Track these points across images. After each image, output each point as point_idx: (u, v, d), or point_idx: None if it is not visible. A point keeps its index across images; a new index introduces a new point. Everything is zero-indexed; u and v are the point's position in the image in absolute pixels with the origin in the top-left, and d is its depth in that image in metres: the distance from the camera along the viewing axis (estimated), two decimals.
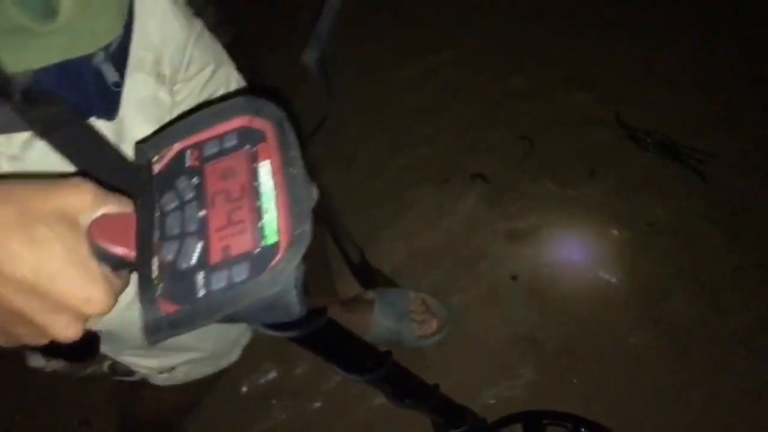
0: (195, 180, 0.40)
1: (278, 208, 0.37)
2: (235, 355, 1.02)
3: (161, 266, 0.38)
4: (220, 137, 0.42)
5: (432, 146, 1.81)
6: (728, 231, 1.59)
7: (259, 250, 0.37)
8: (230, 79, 0.87)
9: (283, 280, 0.36)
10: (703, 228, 1.60)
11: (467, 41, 2.04)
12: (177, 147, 0.43)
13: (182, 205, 0.40)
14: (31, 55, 0.48)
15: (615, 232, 1.60)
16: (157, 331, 0.37)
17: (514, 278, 1.55)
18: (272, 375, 1.47)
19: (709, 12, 2.02)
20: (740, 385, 1.39)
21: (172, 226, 0.39)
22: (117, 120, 0.61)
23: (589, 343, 1.45)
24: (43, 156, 0.54)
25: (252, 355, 1.48)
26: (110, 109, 0.60)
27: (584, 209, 1.65)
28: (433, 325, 1.45)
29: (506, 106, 1.86)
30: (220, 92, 0.84)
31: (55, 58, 0.49)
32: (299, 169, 0.38)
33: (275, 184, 0.38)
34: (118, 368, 0.89)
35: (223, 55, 0.87)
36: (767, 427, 1.35)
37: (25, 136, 0.54)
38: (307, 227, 0.36)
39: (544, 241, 1.60)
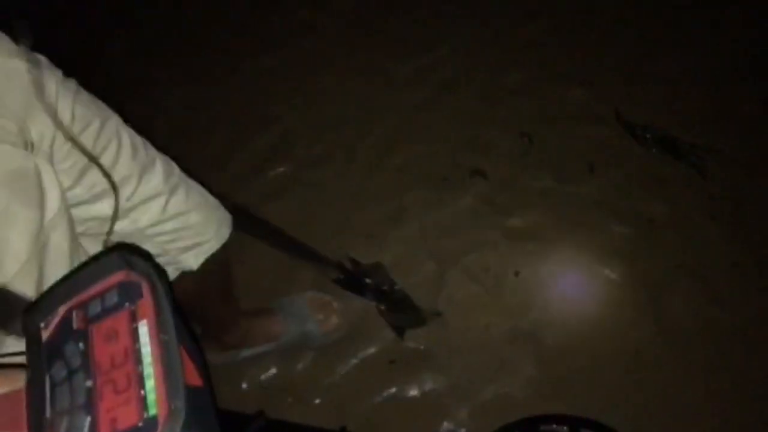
0: (81, 345, 0.40)
1: (156, 375, 0.37)
2: (226, 224, 1.09)
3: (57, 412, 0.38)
4: (102, 295, 0.41)
5: (430, 144, 1.80)
6: (728, 226, 1.59)
7: (142, 423, 0.36)
8: (121, 132, 0.86)
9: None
10: (702, 224, 1.60)
11: (465, 38, 2.03)
12: (62, 310, 0.42)
13: (70, 375, 0.39)
14: None
15: (615, 228, 1.60)
16: None
17: (515, 274, 1.54)
18: (272, 372, 1.47)
19: (708, 7, 2.03)
20: (740, 380, 1.39)
21: (62, 399, 0.39)
22: None
23: (589, 338, 1.45)
24: None
25: (252, 355, 1.49)
26: None
27: (584, 205, 1.64)
28: (333, 320, 1.48)
29: (505, 103, 1.86)
30: (113, 144, 0.83)
31: None
32: (170, 335, 0.38)
33: (152, 347, 0.38)
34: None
35: (107, 110, 0.86)
36: (767, 423, 1.34)
37: None
38: (180, 402, 0.36)
39: (544, 238, 1.59)
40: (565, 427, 1.30)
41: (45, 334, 0.42)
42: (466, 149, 1.79)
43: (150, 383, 0.37)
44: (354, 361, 1.47)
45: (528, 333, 1.47)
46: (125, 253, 0.42)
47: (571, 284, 1.53)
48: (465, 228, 1.63)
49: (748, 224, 1.59)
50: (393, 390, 1.43)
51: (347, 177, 1.76)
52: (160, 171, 0.95)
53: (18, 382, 0.40)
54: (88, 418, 0.37)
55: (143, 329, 0.39)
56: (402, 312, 1.51)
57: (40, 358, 0.41)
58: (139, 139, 0.93)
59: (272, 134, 1.90)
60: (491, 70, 1.95)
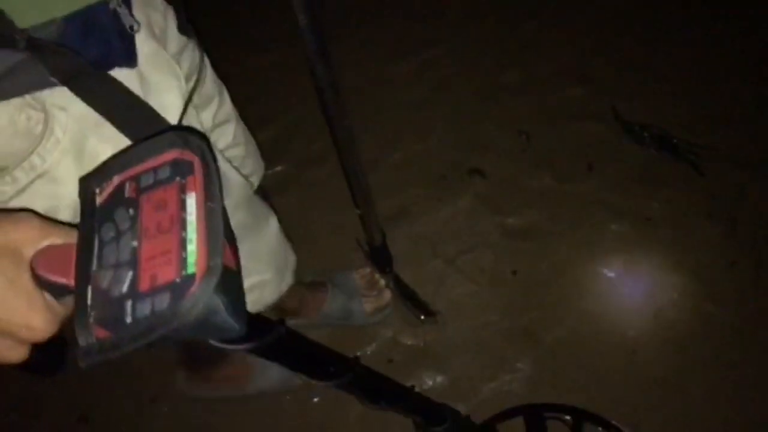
0: (131, 211, 0.43)
1: (199, 239, 0.40)
2: (289, 278, 1.10)
3: (96, 294, 0.41)
4: (155, 169, 0.44)
5: (428, 142, 1.80)
6: (725, 225, 1.59)
7: (179, 279, 0.39)
8: (202, 53, 0.97)
9: (200, 307, 0.38)
10: (700, 222, 1.60)
11: (463, 37, 2.03)
12: (117, 180, 0.45)
13: (118, 236, 0.42)
14: (56, 4, 0.51)
15: (613, 226, 1.60)
16: (88, 356, 0.40)
17: (513, 273, 1.55)
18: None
19: (706, 6, 2.03)
20: (738, 378, 1.39)
21: (109, 255, 0.42)
22: (137, 71, 0.64)
23: (588, 337, 1.46)
24: (85, 110, 0.58)
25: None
26: (131, 56, 0.63)
27: (582, 204, 1.65)
28: (380, 299, 1.49)
29: (503, 101, 1.86)
30: (205, 60, 0.95)
31: (80, 2, 0.53)
32: (217, 203, 0.42)
33: (198, 216, 0.41)
34: None
35: (225, 93, 1.00)
36: (765, 421, 1.35)
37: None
38: (218, 260, 0.39)
39: (541, 237, 1.60)
40: (568, 417, 1.32)
41: (99, 200, 0.45)
42: (465, 148, 1.79)
43: (191, 247, 0.40)
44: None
45: (526, 331, 1.47)
46: (181, 133, 0.45)
47: (569, 282, 1.53)
48: (463, 226, 1.64)
49: (745, 223, 1.59)
50: None
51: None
52: (227, 95, 1.07)
53: (71, 237, 0.44)
54: (130, 273, 0.41)
55: (191, 200, 0.42)
56: (408, 302, 1.52)
57: (93, 219, 0.44)
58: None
59: (270, 132, 1.90)
60: (489, 69, 1.95)
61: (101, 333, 0.40)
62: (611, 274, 1.53)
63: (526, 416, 1.33)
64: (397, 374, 1.42)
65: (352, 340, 1.49)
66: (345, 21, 2.16)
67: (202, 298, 0.38)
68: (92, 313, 0.41)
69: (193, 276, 0.39)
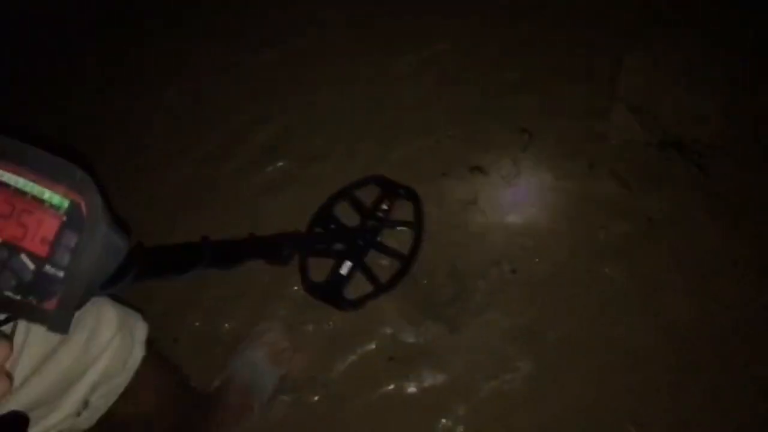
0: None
1: (45, 184, 0.44)
2: (138, 352, 0.93)
3: (15, 292, 0.45)
4: None
5: (429, 139, 1.79)
6: (728, 224, 1.58)
7: (66, 217, 0.44)
8: None
9: (100, 217, 0.45)
10: (703, 221, 1.59)
11: (464, 31, 2.02)
12: None
13: None
14: None
15: (614, 225, 1.59)
16: (60, 322, 0.45)
17: (513, 272, 1.54)
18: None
19: (713, 4, 2.01)
20: (740, 379, 1.39)
21: None
22: None
23: (588, 336, 1.45)
24: None
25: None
26: None
27: (583, 202, 1.64)
28: (294, 364, 1.44)
29: (504, 98, 1.85)
30: None
31: None
32: (32, 151, 0.44)
33: (24, 175, 0.44)
34: None
35: None
36: (767, 423, 1.34)
37: None
38: (78, 172, 0.45)
39: (542, 235, 1.59)
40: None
41: None
42: (466, 144, 1.78)
43: (45, 194, 0.44)
44: (352, 357, 1.47)
45: (527, 330, 1.46)
46: None
47: (570, 281, 1.52)
48: (464, 224, 1.63)
49: (748, 223, 1.58)
50: (391, 387, 1.43)
51: (346, 172, 1.75)
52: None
53: None
54: (22, 254, 0.45)
55: (5, 175, 0.45)
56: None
57: None
58: None
59: (271, 129, 1.89)
60: (491, 65, 1.93)
61: (51, 303, 0.45)
62: (612, 274, 1.52)
63: (321, 221, 1.59)
64: (397, 372, 1.43)
65: (351, 337, 1.49)
66: (346, 16, 2.14)
67: (96, 206, 0.44)
68: (32, 302, 0.44)
69: (72, 204, 0.44)
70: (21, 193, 0.44)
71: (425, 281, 1.54)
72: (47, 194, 0.44)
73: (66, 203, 0.44)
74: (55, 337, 0.75)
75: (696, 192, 1.64)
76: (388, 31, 2.07)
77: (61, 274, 0.44)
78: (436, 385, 1.42)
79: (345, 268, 1.52)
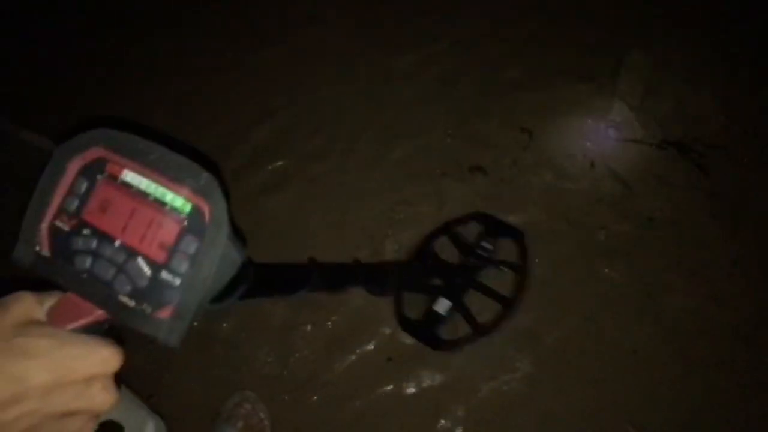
0: (86, 231, 0.44)
1: (168, 187, 0.42)
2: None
3: (131, 297, 0.43)
4: (71, 190, 0.45)
5: (429, 138, 1.79)
6: (728, 224, 1.58)
7: (186, 222, 0.42)
8: None
9: (223, 223, 0.42)
10: (703, 221, 1.59)
11: (464, 30, 2.02)
12: (44, 226, 0.46)
13: (96, 254, 0.43)
14: None
15: (614, 225, 1.59)
16: (171, 334, 0.42)
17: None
18: (270, 370, 1.46)
19: (715, 3, 2.00)
20: (739, 379, 1.38)
21: (106, 271, 0.43)
22: None
23: (588, 336, 1.45)
24: None
25: (250, 350, 1.49)
26: None
27: (584, 202, 1.63)
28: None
29: (505, 97, 1.85)
30: None
31: None
32: (157, 150, 0.43)
33: (147, 176, 0.43)
34: None
35: None
36: (766, 420, 1.34)
37: None
38: (204, 174, 0.42)
39: (542, 235, 1.58)
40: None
41: (45, 252, 0.45)
42: (466, 143, 1.77)
43: (168, 196, 0.42)
44: (351, 357, 1.46)
45: (526, 331, 1.46)
46: (67, 145, 0.46)
47: (570, 281, 1.52)
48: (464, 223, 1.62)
49: (748, 222, 1.57)
50: (390, 387, 1.43)
51: (346, 170, 1.75)
52: None
53: (56, 294, 0.44)
54: (139, 258, 0.42)
55: (129, 175, 0.43)
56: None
57: (58, 267, 0.44)
58: None
59: (272, 127, 1.89)
60: (491, 64, 1.93)
61: (165, 312, 0.42)
62: (613, 274, 1.52)
63: (422, 258, 1.52)
64: (396, 373, 1.42)
65: (350, 338, 1.49)
66: (347, 15, 2.14)
67: (220, 211, 0.42)
68: (145, 309, 0.42)
69: (194, 209, 0.42)
70: (143, 194, 0.43)
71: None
72: (170, 196, 0.42)
73: (188, 207, 0.42)
74: None
75: (696, 192, 1.63)
76: (388, 31, 2.07)
77: (177, 281, 0.42)
78: (434, 385, 1.42)
79: (442, 306, 1.44)
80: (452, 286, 1.47)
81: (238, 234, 0.45)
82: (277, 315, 1.53)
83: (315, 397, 1.44)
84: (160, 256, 0.42)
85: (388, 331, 1.48)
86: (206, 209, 0.42)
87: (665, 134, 1.74)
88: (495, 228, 1.55)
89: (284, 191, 1.74)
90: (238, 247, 0.45)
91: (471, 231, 1.58)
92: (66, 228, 0.44)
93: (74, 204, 0.44)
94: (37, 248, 0.45)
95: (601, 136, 1.75)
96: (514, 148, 1.74)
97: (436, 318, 1.44)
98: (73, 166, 0.45)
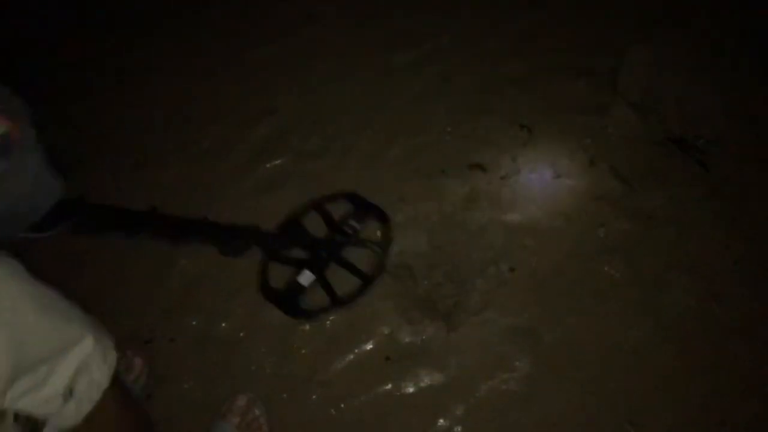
0: None
1: None
2: (111, 346, 0.86)
3: None
4: None
5: (428, 135, 1.78)
6: (729, 222, 1.57)
7: None
8: None
9: (39, 153, 0.43)
10: (703, 218, 1.58)
11: (465, 28, 2.01)
12: None
13: None
14: None
15: (614, 223, 1.58)
16: None
17: (512, 270, 1.53)
18: (268, 370, 1.46)
19: (716, 0, 1.99)
20: (740, 377, 1.37)
21: None
22: None
23: (587, 335, 1.44)
24: None
25: (248, 349, 1.49)
26: None
27: (583, 200, 1.62)
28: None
29: (504, 94, 1.84)
30: None
31: None
32: None
33: None
34: (22, 420, 0.76)
35: None
36: (766, 419, 1.33)
37: None
38: (9, 96, 0.43)
39: (541, 233, 1.58)
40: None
41: None
42: (465, 141, 1.76)
43: None
44: (350, 357, 1.46)
45: (525, 329, 1.45)
46: None
47: (569, 279, 1.51)
48: (462, 221, 1.61)
49: (749, 219, 1.56)
50: (388, 386, 1.42)
51: (345, 168, 1.74)
52: None
53: None
54: None
55: None
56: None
57: None
58: None
59: (271, 125, 1.88)
60: (492, 61, 1.92)
61: None
62: (612, 272, 1.51)
63: (289, 228, 1.58)
64: (394, 372, 1.42)
65: (349, 337, 1.48)
66: (347, 12, 2.13)
67: (28, 136, 0.43)
68: None
69: (5, 134, 0.42)
70: None
71: (423, 280, 1.53)
72: None
73: (1, 130, 0.42)
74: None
75: (697, 189, 1.62)
76: (388, 28, 2.06)
77: None
78: (433, 384, 1.41)
79: (305, 277, 1.53)
80: (316, 260, 1.54)
81: (56, 166, 0.46)
82: (276, 315, 1.52)
83: (314, 396, 1.43)
84: None
85: (386, 330, 1.48)
86: (14, 131, 0.42)
87: (666, 131, 1.72)
88: (364, 209, 1.63)
89: (284, 189, 1.74)
90: (55, 175, 0.46)
91: (340, 209, 1.65)
92: None
93: None
94: None
95: (601, 132, 1.74)
96: (513, 145, 1.74)
97: (298, 288, 1.52)
98: None
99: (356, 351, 1.47)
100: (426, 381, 1.42)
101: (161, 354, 1.49)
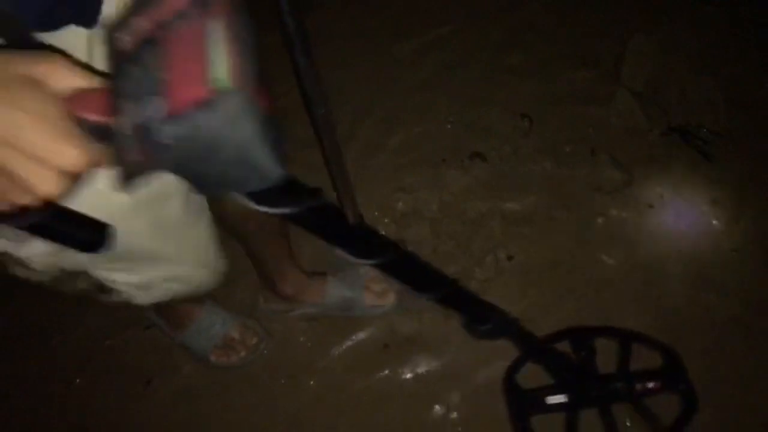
0: (157, 49, 0.43)
1: (228, 58, 0.40)
2: (212, 280, 1.04)
3: (134, 128, 0.41)
4: (174, 6, 0.44)
5: (429, 125, 1.78)
6: (730, 212, 1.56)
7: (213, 96, 0.39)
8: None
9: (240, 120, 0.39)
10: (704, 209, 1.57)
11: (466, 17, 2.00)
12: (140, 23, 0.45)
13: (146, 72, 0.42)
14: None
15: (614, 212, 1.58)
16: (131, 174, 0.42)
17: (509, 259, 1.53)
18: (268, 355, 1.47)
19: None
20: (739, 367, 1.37)
21: (140, 90, 0.41)
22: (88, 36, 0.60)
23: (586, 324, 1.44)
24: None
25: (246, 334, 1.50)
26: (92, 11, 0.59)
27: (583, 189, 1.62)
28: (391, 297, 1.47)
29: (506, 84, 1.83)
30: None
31: None
32: (243, 28, 0.42)
33: (223, 38, 0.41)
34: (96, 284, 0.89)
35: None
36: (766, 411, 1.33)
37: None
38: (249, 71, 0.40)
39: (540, 223, 1.58)
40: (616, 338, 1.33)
41: (124, 45, 0.45)
42: (466, 130, 1.76)
43: (220, 66, 0.40)
44: (348, 344, 1.47)
45: (522, 318, 1.45)
46: None
47: (567, 269, 1.51)
48: (462, 211, 1.62)
49: (750, 210, 1.56)
50: (386, 373, 1.43)
51: (345, 157, 1.74)
52: None
53: (101, 82, 0.45)
54: (164, 101, 0.40)
55: (215, 25, 0.42)
56: None
57: (120, 63, 0.44)
58: None
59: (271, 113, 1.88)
60: (493, 51, 1.91)
61: (140, 156, 0.41)
62: (611, 262, 1.51)
63: (572, 340, 1.33)
64: (393, 359, 1.43)
65: (347, 325, 1.49)
66: (347, 1, 2.13)
67: (239, 107, 0.39)
68: (131, 143, 0.41)
69: (227, 89, 0.39)
70: (209, 47, 0.41)
71: None
72: (221, 66, 0.40)
73: (225, 84, 0.40)
74: None
75: (698, 179, 1.61)
76: (390, 16, 2.06)
77: (169, 141, 0.40)
78: (430, 371, 1.42)
79: (555, 399, 1.25)
80: (580, 392, 1.25)
81: (277, 144, 0.43)
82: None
83: (312, 382, 1.44)
84: (177, 109, 0.40)
85: (384, 318, 1.48)
86: (233, 96, 0.40)
87: (669, 121, 1.71)
88: (675, 379, 1.27)
89: None
90: (271, 159, 0.42)
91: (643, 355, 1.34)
92: (149, 33, 0.43)
93: (168, 18, 0.43)
94: (121, 33, 0.45)
95: (602, 122, 1.73)
96: (514, 135, 1.73)
97: (541, 404, 1.26)
98: None
99: (354, 338, 1.48)
100: (424, 368, 1.43)
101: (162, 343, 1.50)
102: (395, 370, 1.43)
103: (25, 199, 0.44)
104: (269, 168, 0.42)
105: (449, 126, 1.78)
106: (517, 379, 1.31)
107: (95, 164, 0.44)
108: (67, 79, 0.43)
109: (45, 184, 0.43)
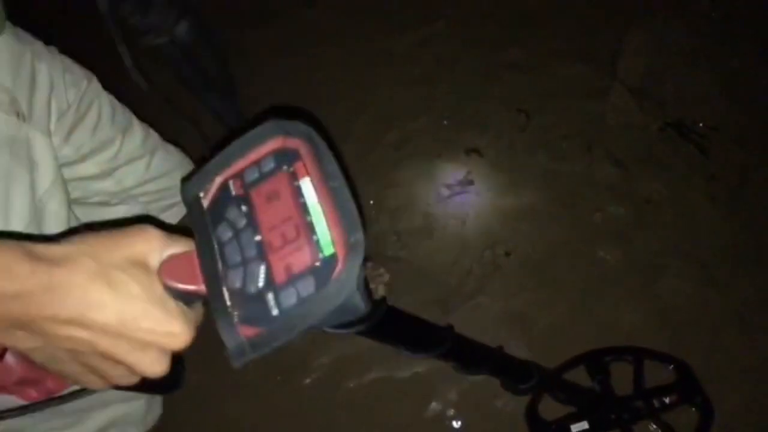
0: (244, 208, 0.43)
1: (328, 220, 0.40)
2: (157, 408, 1.03)
3: (232, 294, 0.41)
4: (257, 163, 0.44)
5: (426, 119, 1.77)
6: (726, 208, 1.55)
7: (319, 263, 0.39)
8: (101, 94, 0.94)
9: (347, 287, 0.38)
10: (701, 204, 1.57)
11: (463, 12, 1.98)
12: (219, 180, 0.45)
13: (237, 234, 0.42)
14: None
15: (611, 207, 1.57)
16: (241, 355, 0.40)
17: (507, 255, 1.52)
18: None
19: None
20: (736, 363, 1.37)
21: (233, 254, 0.42)
22: None
23: (583, 320, 1.44)
24: None
25: None
26: None
27: (580, 184, 1.61)
28: (377, 291, 1.46)
29: (502, 79, 1.82)
30: (95, 105, 0.91)
31: None
32: (339, 180, 0.41)
33: (319, 197, 0.41)
34: None
35: (89, 73, 0.94)
36: (763, 407, 1.33)
37: None
38: (359, 235, 0.39)
39: (537, 218, 1.57)
40: (629, 357, 1.32)
41: (205, 203, 0.45)
42: (462, 126, 1.75)
43: (321, 229, 0.40)
44: (343, 342, 1.46)
45: (520, 314, 1.45)
46: (280, 121, 0.44)
47: (564, 264, 1.51)
48: (458, 207, 1.61)
49: (747, 205, 1.55)
50: (382, 370, 1.42)
51: (342, 153, 1.73)
52: (138, 132, 1.01)
53: (189, 245, 0.44)
54: (262, 267, 0.40)
55: (306, 185, 0.41)
56: None
57: (205, 223, 0.44)
58: (117, 102, 0.99)
59: (266, 109, 1.87)
60: (490, 45, 1.90)
61: (249, 331, 0.40)
62: (608, 257, 1.50)
63: (587, 365, 1.32)
64: (389, 355, 1.42)
65: None
66: None
67: (350, 277, 0.38)
68: (234, 314, 0.40)
69: (333, 257, 0.39)
70: (305, 210, 0.40)
71: (418, 264, 1.53)
72: (321, 229, 0.40)
73: (330, 251, 0.39)
74: None
75: (695, 174, 1.61)
76: (385, 11, 2.04)
77: (275, 312, 0.39)
78: (427, 368, 1.42)
79: (578, 426, 1.26)
80: (601, 417, 1.26)
81: (367, 285, 0.43)
82: None
83: (307, 380, 1.44)
84: (279, 277, 0.40)
85: None
86: (340, 265, 0.39)
87: (665, 116, 1.71)
88: (689, 392, 1.29)
89: None
90: (365, 298, 0.42)
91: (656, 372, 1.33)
92: (233, 193, 0.44)
93: (253, 177, 0.43)
94: (201, 195, 0.45)
95: (599, 117, 1.72)
96: (511, 130, 1.72)
97: None
98: (273, 143, 0.44)
99: (349, 336, 1.47)
100: (419, 365, 1.42)
101: None
102: (391, 366, 1.43)
103: (128, 381, 0.44)
104: (361, 308, 0.42)
105: (445, 121, 1.77)
106: (539, 410, 1.31)
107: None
108: (163, 251, 0.43)
109: (156, 367, 0.42)
